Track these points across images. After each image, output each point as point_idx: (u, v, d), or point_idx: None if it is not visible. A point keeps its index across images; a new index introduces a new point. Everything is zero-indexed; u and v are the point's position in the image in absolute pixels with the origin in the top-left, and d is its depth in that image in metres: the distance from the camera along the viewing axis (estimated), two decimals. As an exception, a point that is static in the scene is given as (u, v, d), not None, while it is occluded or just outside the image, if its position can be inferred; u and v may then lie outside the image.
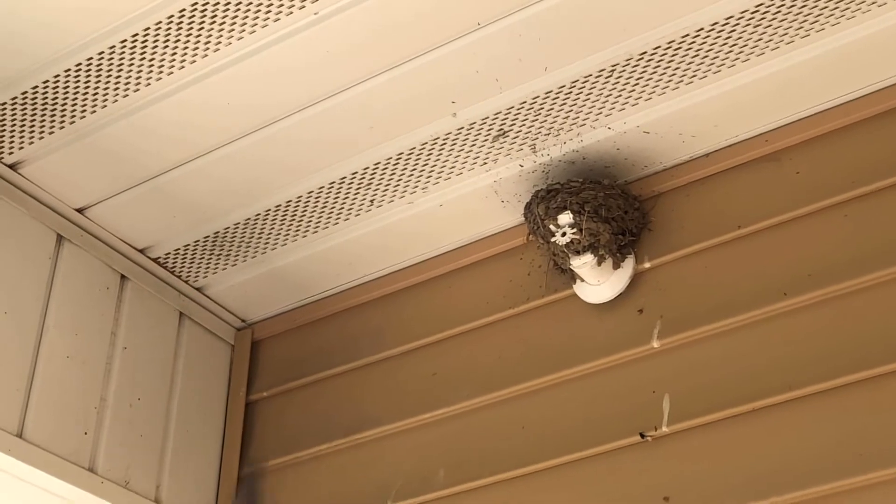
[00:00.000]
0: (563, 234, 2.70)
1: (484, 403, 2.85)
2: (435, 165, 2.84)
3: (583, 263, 2.70)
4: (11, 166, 2.83)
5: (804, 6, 2.44)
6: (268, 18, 2.46)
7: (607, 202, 2.74)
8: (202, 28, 2.48)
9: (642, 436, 2.58)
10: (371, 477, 2.92)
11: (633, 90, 2.64)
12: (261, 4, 2.43)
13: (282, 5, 2.43)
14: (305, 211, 2.98)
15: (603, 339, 2.75)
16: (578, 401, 2.72)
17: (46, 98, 2.65)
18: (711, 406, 2.53)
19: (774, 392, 2.46)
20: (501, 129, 2.74)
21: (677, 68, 2.59)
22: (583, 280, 2.77)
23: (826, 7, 2.44)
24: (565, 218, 2.71)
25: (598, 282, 2.75)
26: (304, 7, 2.44)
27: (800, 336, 2.50)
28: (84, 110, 2.69)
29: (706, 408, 2.53)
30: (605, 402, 2.68)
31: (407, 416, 2.94)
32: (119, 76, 2.60)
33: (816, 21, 2.47)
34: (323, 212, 2.98)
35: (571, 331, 2.81)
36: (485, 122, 2.73)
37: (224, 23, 2.47)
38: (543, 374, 2.78)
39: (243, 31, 2.49)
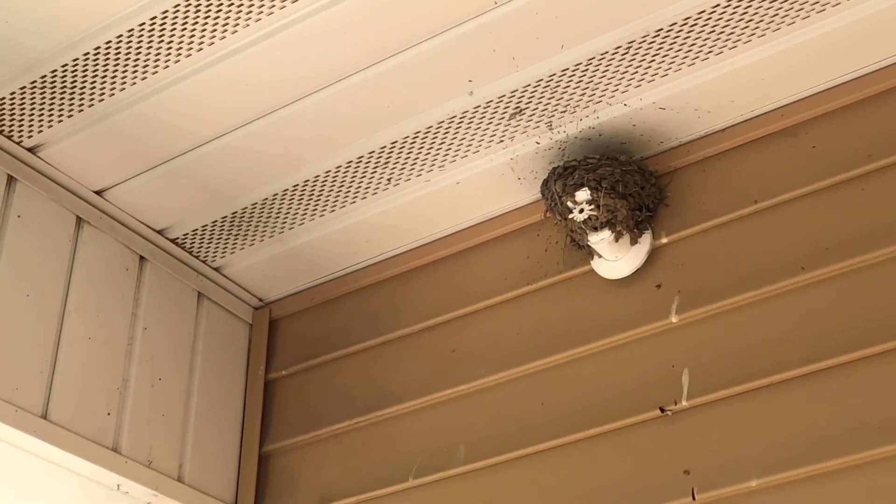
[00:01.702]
0: (581, 211, 2.72)
1: (503, 380, 2.87)
2: (452, 143, 2.85)
3: (600, 239, 2.72)
4: (31, 150, 2.84)
5: (815, -15, 2.46)
6: (274, 3, 2.47)
7: (624, 178, 2.75)
8: (220, 11, 2.49)
9: (662, 410, 2.60)
10: (392, 454, 2.94)
11: (650, 67, 2.65)
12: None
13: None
14: (323, 190, 2.99)
15: (621, 314, 2.76)
16: (597, 376, 2.74)
17: (65, 81, 2.66)
18: (731, 380, 2.54)
19: (793, 366, 2.48)
20: (518, 107, 2.75)
21: (693, 44, 2.59)
22: (600, 256, 2.78)
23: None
24: (583, 195, 2.72)
25: (615, 257, 2.77)
26: (316, -12, 2.46)
27: (818, 310, 2.51)
28: (102, 93, 2.70)
29: (725, 382, 2.55)
30: (625, 378, 2.69)
31: (426, 393, 2.96)
32: (137, 59, 2.61)
33: (818, 1, 2.48)
34: (340, 191, 2.99)
35: (589, 306, 2.82)
36: (501, 100, 2.74)
37: (242, 5, 2.48)
38: (562, 350, 2.80)
39: (261, 12, 2.50)
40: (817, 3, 2.49)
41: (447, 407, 2.93)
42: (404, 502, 2.88)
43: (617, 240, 2.72)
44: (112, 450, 2.82)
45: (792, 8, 2.50)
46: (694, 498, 2.47)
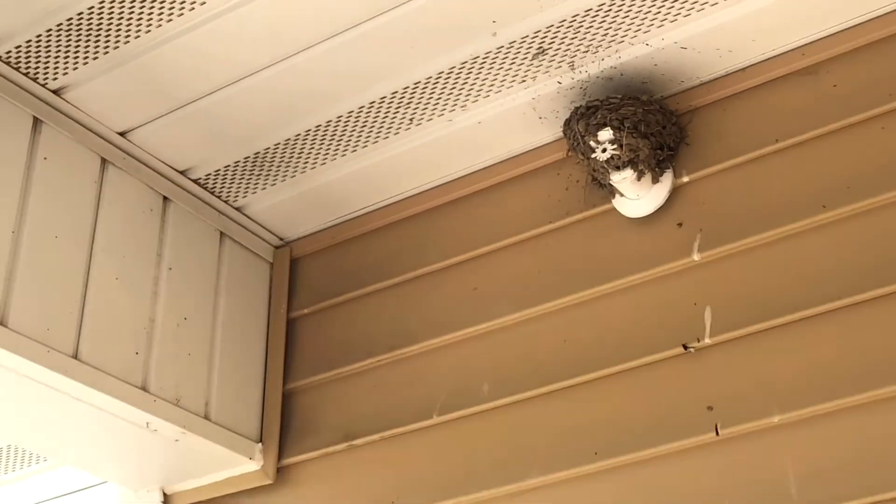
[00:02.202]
0: (604, 151, 2.74)
1: (525, 318, 2.90)
2: (474, 84, 2.87)
3: (623, 178, 2.74)
4: (55, 91, 2.86)
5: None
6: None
7: (646, 118, 2.77)
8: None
9: (685, 347, 2.64)
10: (415, 392, 2.98)
11: (672, 6, 2.66)
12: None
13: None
14: (345, 130, 3.01)
15: (643, 252, 2.79)
16: (620, 314, 2.77)
17: (91, 24, 2.67)
18: (753, 317, 2.58)
19: (815, 303, 2.52)
20: (541, 48, 2.77)
21: (717, -18, 2.61)
22: (622, 195, 2.81)
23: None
24: (605, 134, 2.74)
25: (637, 196, 2.80)
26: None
27: (839, 248, 2.55)
28: (128, 36, 2.71)
29: (748, 319, 2.59)
30: (647, 315, 2.73)
31: (449, 331, 3.00)
32: (163, 2, 2.62)
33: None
34: (363, 131, 3.01)
35: (611, 245, 2.85)
36: (524, 41, 2.75)
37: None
38: (584, 288, 2.84)
39: (286, -45, 2.52)
40: (839, -57, 2.51)
41: (470, 345, 2.97)
42: (428, 439, 2.92)
43: (639, 179, 2.75)
44: (141, 388, 2.85)
45: (815, -53, 2.52)
46: (717, 433, 2.52)
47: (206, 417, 3.01)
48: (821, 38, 2.74)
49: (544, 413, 2.78)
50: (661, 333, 2.68)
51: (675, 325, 2.67)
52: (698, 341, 2.63)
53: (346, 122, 2.98)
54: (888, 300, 2.46)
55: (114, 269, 2.89)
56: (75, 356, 2.72)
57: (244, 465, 3.09)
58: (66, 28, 2.69)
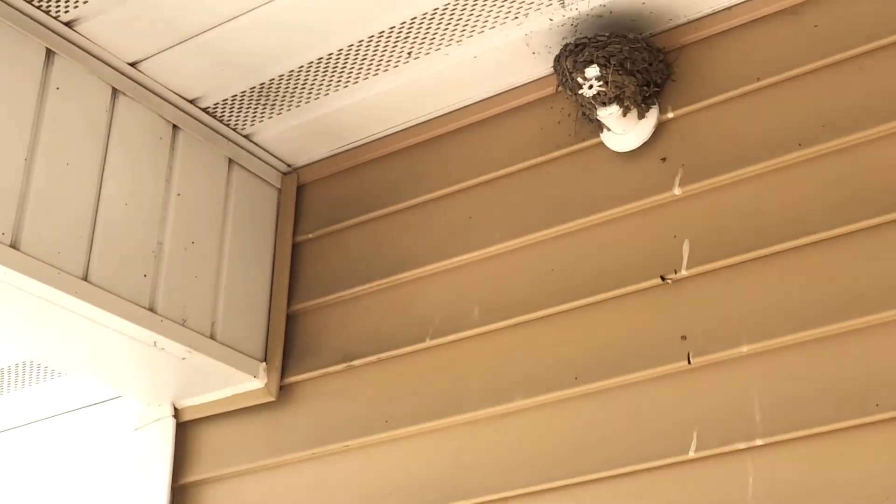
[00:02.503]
0: (591, 87, 2.83)
1: (516, 246, 3.01)
2: (469, 20, 2.95)
3: (609, 114, 2.83)
4: (67, 24, 2.97)
5: None
6: None
7: (632, 55, 2.85)
8: None
9: (663, 278, 2.75)
10: (410, 315, 3.11)
11: (658, -53, 2.74)
12: None
13: None
14: (346, 63, 3.11)
15: (628, 185, 2.89)
16: (604, 245, 2.88)
17: (99, -42, 2.79)
18: (728, 251, 2.68)
19: (787, 238, 2.61)
20: (532, -16, 2.86)
21: (700, -73, 2.69)
22: (609, 129, 2.90)
23: None
24: (592, 71, 2.83)
25: (623, 131, 2.89)
26: None
27: (813, 185, 2.64)
28: (135, -31, 2.83)
29: (723, 252, 2.69)
30: (629, 247, 2.84)
31: (443, 258, 3.11)
32: (167, -63, 2.73)
33: None
34: (363, 63, 3.11)
35: (598, 178, 2.95)
36: (516, -22, 2.85)
37: None
38: (571, 220, 2.94)
39: None
40: None
41: (463, 271, 3.08)
42: (422, 360, 3.05)
43: (625, 114, 2.84)
44: (148, 309, 3.00)
45: None
46: (689, 362, 2.63)
47: (212, 337, 3.15)
48: (804, -21, 2.82)
49: (530, 338, 2.90)
50: (642, 264, 2.79)
51: (654, 257, 2.78)
52: (675, 273, 2.73)
53: (346, 54, 3.08)
54: (857, 236, 2.55)
55: (123, 194, 3.02)
56: (85, 278, 2.86)
57: (249, 383, 3.24)
58: (75, -37, 2.81)
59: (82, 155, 2.95)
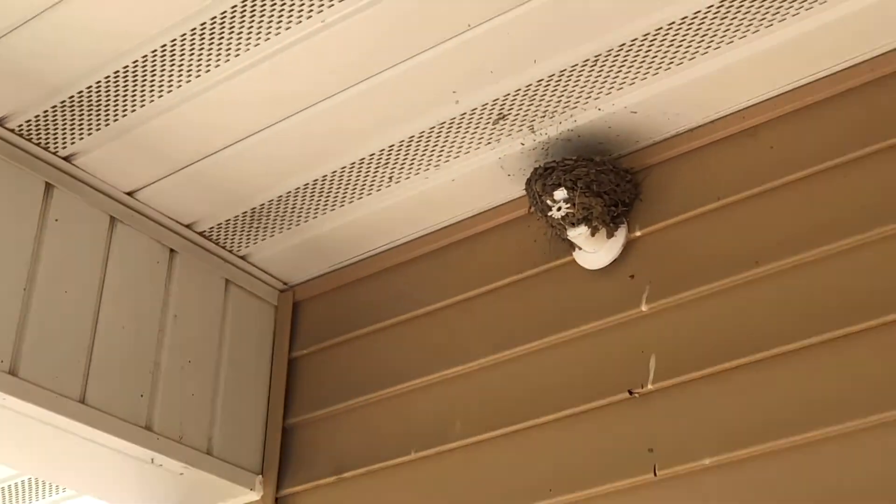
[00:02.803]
0: (559, 209, 2.96)
1: (494, 362, 3.12)
2: (444, 146, 3.09)
3: (578, 234, 2.96)
4: (66, 158, 3.13)
5: (764, 0, 2.65)
6: (280, 26, 2.72)
7: (599, 177, 2.98)
8: (232, 32, 2.74)
9: (630, 392, 2.85)
10: (397, 429, 3.22)
11: (618, 76, 2.86)
12: (272, 14, 2.69)
13: (291, 14, 2.69)
14: (332, 187, 3.25)
15: (598, 302, 3.00)
16: (575, 360, 2.98)
17: (91, 99, 2.93)
18: (692, 365, 2.77)
19: (745, 353, 2.70)
20: (501, 113, 2.99)
21: (655, 56, 2.80)
22: (580, 248, 3.02)
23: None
24: (560, 194, 2.95)
25: (594, 250, 3.01)
26: (311, 17, 2.70)
27: (768, 302, 2.73)
28: (125, 108, 2.96)
29: (687, 367, 2.78)
30: (599, 362, 2.94)
31: (428, 373, 3.23)
32: (153, 79, 2.87)
33: (778, 12, 2.68)
34: (347, 188, 3.25)
35: (571, 295, 3.06)
36: (485, 108, 2.97)
37: (242, 33, 2.74)
38: (546, 335, 3.05)
39: (259, 38, 2.76)
40: (764, 18, 2.69)
41: (445, 386, 3.19)
42: (408, 473, 3.16)
43: (593, 234, 2.96)
44: (145, 428, 3.12)
45: (742, 24, 2.70)
46: (655, 474, 2.72)
47: (209, 453, 3.27)
48: (759, 102, 2.92)
49: (507, 450, 3.00)
50: (611, 379, 2.89)
51: (623, 371, 2.88)
52: (642, 387, 2.83)
53: (331, 180, 3.23)
54: (814, 350, 2.63)
55: (121, 319, 3.16)
56: (82, 400, 2.99)
57: (245, 496, 3.35)
58: (70, 104, 2.95)
59: (80, 282, 3.10)
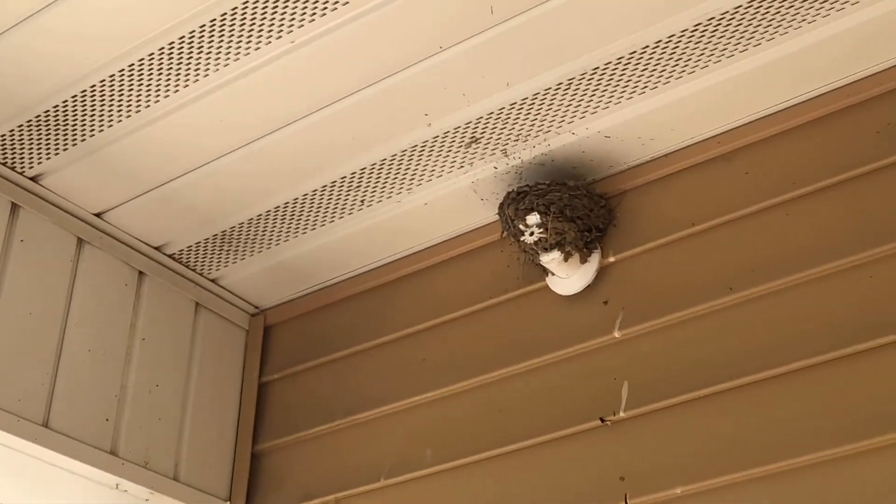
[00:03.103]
0: (532, 234, 2.92)
1: (466, 388, 3.09)
2: (417, 169, 3.06)
3: (551, 259, 2.92)
4: (32, 178, 3.09)
5: (739, 25, 2.63)
6: (249, 47, 2.69)
7: (572, 202, 2.95)
8: (200, 52, 2.71)
9: (602, 420, 2.81)
10: (366, 455, 3.18)
11: (591, 100, 2.84)
12: (241, 35, 2.66)
13: (261, 34, 2.66)
14: (303, 210, 3.22)
15: (571, 329, 2.97)
16: (547, 387, 2.95)
17: (58, 119, 2.89)
18: (664, 393, 2.74)
19: (717, 381, 2.68)
20: (473, 137, 2.96)
21: (629, 81, 2.78)
22: (553, 273, 2.99)
23: (760, 24, 2.63)
24: (533, 219, 2.92)
25: (566, 275, 2.97)
26: (280, 38, 2.67)
27: (741, 328, 2.71)
28: (93, 128, 2.93)
29: (659, 395, 2.75)
30: (571, 389, 2.90)
31: (399, 399, 3.19)
32: (121, 99, 2.84)
33: (752, 37, 2.66)
34: (318, 211, 3.22)
35: (543, 321, 3.03)
36: (458, 131, 2.95)
37: (210, 53, 2.71)
38: (517, 362, 3.01)
39: (228, 58, 2.72)
40: (739, 43, 2.67)
41: (416, 412, 3.16)
42: (378, 500, 3.11)
43: (566, 259, 2.93)
44: (110, 453, 3.07)
45: (717, 48, 2.69)
46: (626, 503, 2.68)
47: (175, 478, 3.22)
48: (734, 128, 2.91)
49: (478, 478, 2.96)
50: (583, 406, 2.85)
51: (595, 399, 2.84)
52: (614, 415, 2.79)
53: (302, 203, 3.19)
54: (786, 378, 2.61)
55: (87, 341, 3.11)
56: (45, 424, 2.94)
57: (213, 522, 3.31)
58: (37, 123, 2.91)
59: (45, 304, 3.05)
